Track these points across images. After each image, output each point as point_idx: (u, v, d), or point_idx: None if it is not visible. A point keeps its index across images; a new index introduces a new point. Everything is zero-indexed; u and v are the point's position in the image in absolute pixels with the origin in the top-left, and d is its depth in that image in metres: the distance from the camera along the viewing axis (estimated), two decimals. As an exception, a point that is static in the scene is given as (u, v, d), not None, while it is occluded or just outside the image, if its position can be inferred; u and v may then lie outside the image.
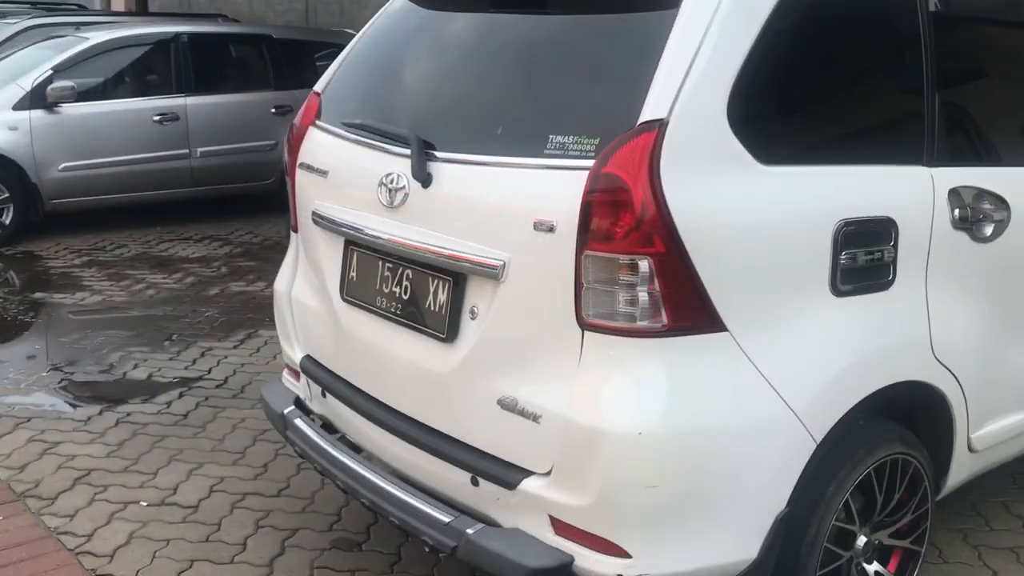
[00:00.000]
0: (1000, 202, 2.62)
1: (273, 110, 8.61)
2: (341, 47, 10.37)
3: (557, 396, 2.13)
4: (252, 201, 8.86)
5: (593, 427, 2.06)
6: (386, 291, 2.57)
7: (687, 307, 2.05)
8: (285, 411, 2.98)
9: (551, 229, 2.09)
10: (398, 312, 2.53)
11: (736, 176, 2.11)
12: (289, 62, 8.84)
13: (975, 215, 2.56)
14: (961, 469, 2.77)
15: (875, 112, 2.50)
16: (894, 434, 2.50)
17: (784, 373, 2.18)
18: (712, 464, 2.11)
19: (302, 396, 3.06)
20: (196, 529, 3.21)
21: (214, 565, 3.00)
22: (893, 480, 2.50)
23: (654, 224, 1.99)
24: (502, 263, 2.20)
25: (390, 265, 2.56)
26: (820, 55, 2.37)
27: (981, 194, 2.58)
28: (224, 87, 8.51)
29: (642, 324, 2.03)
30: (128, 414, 4.16)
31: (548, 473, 2.17)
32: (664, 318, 2.03)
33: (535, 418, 2.17)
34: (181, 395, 4.40)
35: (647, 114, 2.03)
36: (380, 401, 2.64)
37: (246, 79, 8.72)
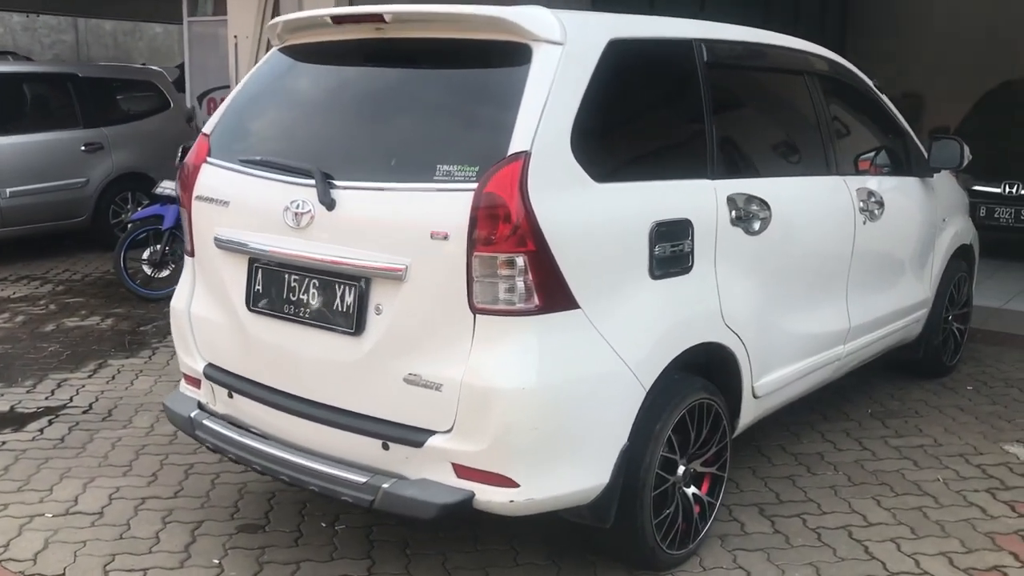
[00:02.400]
0: (763, 204, 3.46)
1: (83, 148, 8.64)
2: (149, 83, 10.46)
3: (456, 367, 2.72)
4: (65, 239, 8.85)
5: (488, 387, 2.67)
6: (293, 299, 3.07)
7: (552, 292, 2.70)
8: (192, 415, 3.39)
9: (446, 237, 2.69)
10: (306, 315, 3.03)
11: (579, 192, 2.80)
12: (97, 100, 8.90)
13: (746, 215, 3.39)
14: (749, 411, 3.59)
15: (673, 140, 3.29)
16: (699, 384, 3.26)
17: (621, 337, 2.88)
18: (575, 409, 2.78)
19: (204, 401, 3.48)
20: (107, 531, 3.53)
21: (135, 556, 3.35)
22: (701, 420, 3.25)
23: (526, 230, 2.63)
24: (405, 267, 2.77)
25: (296, 276, 3.06)
26: (632, 99, 3.13)
27: (750, 199, 3.41)
28: (32, 126, 8.47)
29: (520, 306, 2.67)
30: (3, 443, 4.34)
31: (450, 430, 2.75)
32: (536, 300, 2.68)
33: (437, 387, 2.76)
34: (51, 422, 4.61)
35: (514, 147, 2.68)
36: (291, 394, 3.12)
37: (54, 118, 8.69)
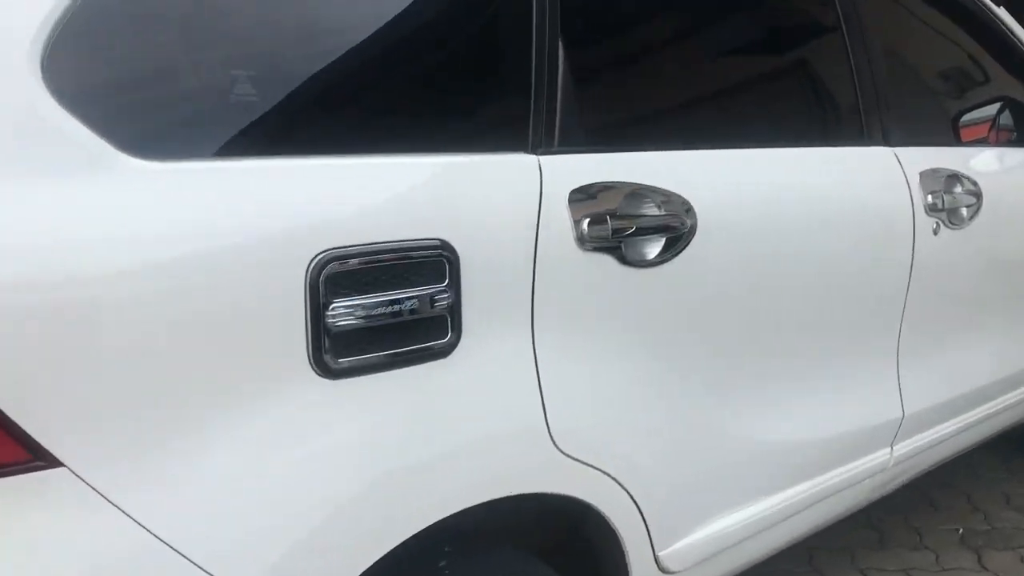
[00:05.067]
0: (681, 205, 1.71)
1: None
2: None
3: None
4: None
5: None
6: None
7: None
8: None
9: None
10: None
11: (76, 182, 1.15)
12: None
13: (624, 226, 1.64)
14: (654, 600, 1.86)
15: (428, 70, 1.54)
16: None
17: (215, 527, 1.23)
18: None
19: None
20: None
21: None
22: (502, 652, 1.58)
23: None
24: None
25: None
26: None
27: (636, 195, 1.67)
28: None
29: None
30: None
31: None
32: None
33: None
34: None
35: None
36: None
37: None
